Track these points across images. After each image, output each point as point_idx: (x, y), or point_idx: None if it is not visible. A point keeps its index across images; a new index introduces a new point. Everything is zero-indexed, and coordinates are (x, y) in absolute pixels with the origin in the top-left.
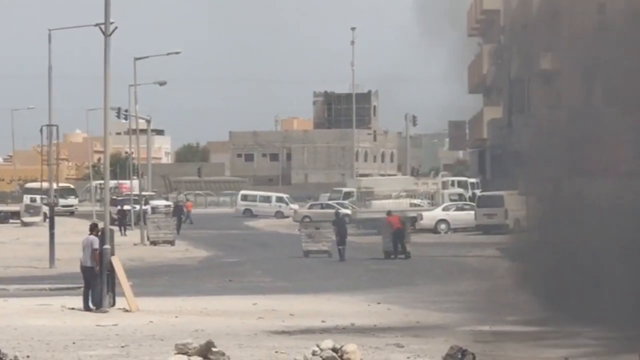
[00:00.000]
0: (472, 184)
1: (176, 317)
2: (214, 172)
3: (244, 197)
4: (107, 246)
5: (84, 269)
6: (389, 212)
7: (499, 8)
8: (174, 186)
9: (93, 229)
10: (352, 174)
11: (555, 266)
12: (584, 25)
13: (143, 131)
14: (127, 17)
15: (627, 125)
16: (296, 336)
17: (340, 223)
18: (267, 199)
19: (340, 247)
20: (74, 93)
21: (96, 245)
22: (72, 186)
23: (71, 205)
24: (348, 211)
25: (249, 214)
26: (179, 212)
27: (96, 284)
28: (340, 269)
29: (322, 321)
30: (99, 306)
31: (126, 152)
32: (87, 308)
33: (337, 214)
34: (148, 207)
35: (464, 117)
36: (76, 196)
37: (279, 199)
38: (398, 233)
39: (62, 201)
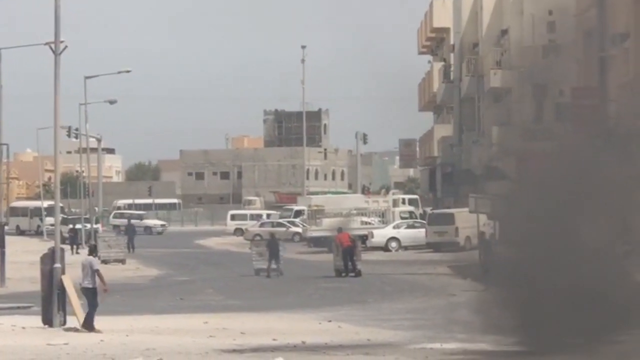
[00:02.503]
0: (413, 200)
1: (127, 335)
2: (164, 191)
3: (233, 217)
4: (57, 265)
5: (83, 289)
6: (339, 230)
7: (449, 26)
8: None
9: (93, 250)
10: (302, 192)
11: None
12: (533, 43)
13: (94, 150)
14: (77, 35)
15: (577, 141)
16: (247, 354)
17: (273, 244)
18: (258, 218)
19: (275, 265)
20: (24, 112)
21: (97, 266)
22: (61, 204)
23: None
24: (299, 229)
25: (239, 233)
26: (131, 231)
27: (95, 304)
28: (290, 287)
29: (273, 339)
30: (90, 326)
31: (77, 171)
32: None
33: (271, 235)
34: (99, 226)
35: (415, 135)
36: (66, 214)
37: (269, 217)
38: (348, 250)
39: (51, 220)
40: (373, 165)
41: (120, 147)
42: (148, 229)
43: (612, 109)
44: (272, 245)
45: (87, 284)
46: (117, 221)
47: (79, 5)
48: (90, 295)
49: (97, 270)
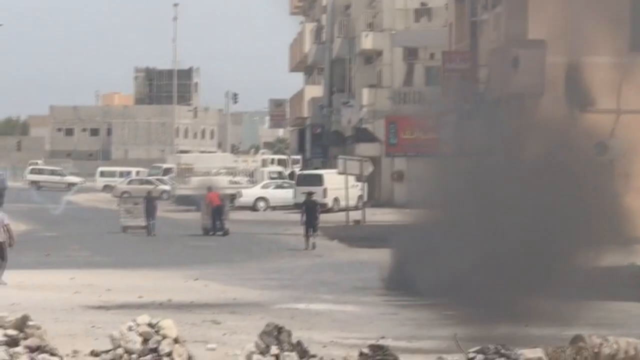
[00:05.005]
0: (282, 160)
1: None
2: (33, 146)
3: (102, 174)
4: None
5: None
6: (209, 189)
7: None
8: None
9: None
10: (172, 150)
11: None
12: (405, 7)
13: None
14: None
15: (447, 106)
16: (113, 311)
17: (149, 201)
18: (127, 175)
19: (151, 222)
20: None
21: (7, 221)
22: None
23: None
24: (167, 187)
25: (108, 190)
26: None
27: (6, 258)
28: (158, 245)
29: (139, 297)
30: None
31: None
32: None
33: (148, 192)
34: None
35: (285, 95)
36: None
37: (137, 174)
38: (218, 210)
39: None
40: (243, 124)
41: None
42: (72, 185)
43: (483, 74)
44: (149, 203)
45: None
46: (34, 177)
47: None
48: (2, 250)
49: (8, 225)
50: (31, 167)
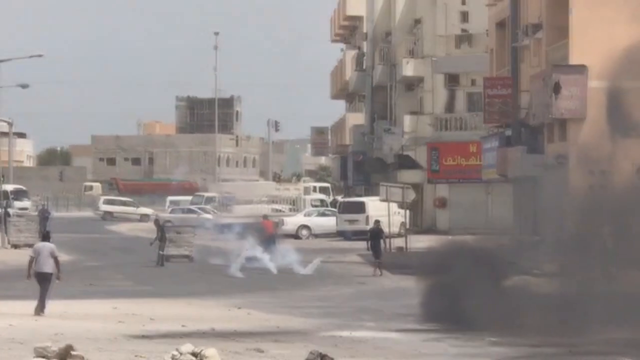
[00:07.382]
0: (324, 188)
1: (36, 320)
2: (76, 176)
3: (172, 202)
4: None
5: (43, 274)
6: (265, 217)
7: (362, 15)
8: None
9: (47, 236)
10: (214, 179)
11: None
12: (446, 33)
13: (4, 134)
14: None
15: (489, 133)
16: (156, 340)
17: (159, 228)
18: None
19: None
20: None
21: (57, 253)
22: (24, 188)
23: (25, 208)
24: (210, 216)
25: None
26: (43, 216)
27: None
28: (201, 273)
29: (183, 325)
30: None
31: None
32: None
33: (155, 221)
34: (11, 210)
35: (327, 123)
36: (29, 198)
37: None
38: (270, 238)
39: (17, 204)
40: (285, 153)
41: (32, 132)
42: (145, 216)
43: (524, 100)
44: (159, 230)
45: (48, 269)
46: (108, 207)
47: None
48: (49, 280)
49: (57, 257)
50: (104, 197)
